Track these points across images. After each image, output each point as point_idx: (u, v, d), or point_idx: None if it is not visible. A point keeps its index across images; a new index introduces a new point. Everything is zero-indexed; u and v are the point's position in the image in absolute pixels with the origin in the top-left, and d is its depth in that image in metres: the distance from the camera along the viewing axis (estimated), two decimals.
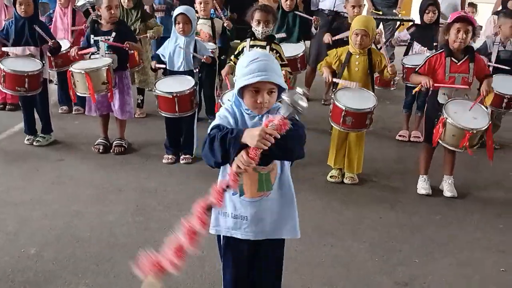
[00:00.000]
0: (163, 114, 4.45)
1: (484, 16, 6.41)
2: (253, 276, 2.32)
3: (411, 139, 5.38)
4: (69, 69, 4.43)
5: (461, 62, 3.88)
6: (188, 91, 4.29)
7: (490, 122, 3.80)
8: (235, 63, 4.17)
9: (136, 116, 5.70)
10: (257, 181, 2.06)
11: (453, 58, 3.88)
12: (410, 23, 6.07)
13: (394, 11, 7.89)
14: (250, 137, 1.81)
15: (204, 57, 4.42)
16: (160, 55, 4.51)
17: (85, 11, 5.95)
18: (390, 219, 3.74)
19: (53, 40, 4.68)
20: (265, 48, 4.13)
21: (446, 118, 3.71)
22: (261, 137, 1.77)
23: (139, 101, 5.80)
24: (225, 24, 5.61)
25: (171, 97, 4.26)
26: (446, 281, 3.00)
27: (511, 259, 3.26)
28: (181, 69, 4.45)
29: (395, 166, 4.74)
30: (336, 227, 3.57)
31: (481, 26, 6.80)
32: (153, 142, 4.98)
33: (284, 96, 1.83)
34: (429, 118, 4.04)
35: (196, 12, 4.99)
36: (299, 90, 1.86)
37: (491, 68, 4.75)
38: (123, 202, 3.79)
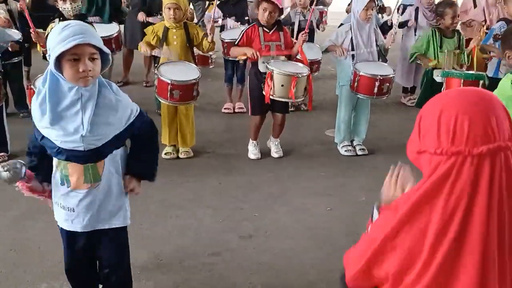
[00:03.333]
0: None
1: None
2: (99, 264, 2.25)
3: (236, 110, 5.67)
4: None
5: (272, 31, 4.21)
6: None
7: (310, 72, 4.18)
8: None
9: None
10: (82, 172, 1.94)
11: (265, 29, 4.19)
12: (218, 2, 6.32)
13: None
14: None
15: (9, 45, 3.98)
16: None
17: None
18: (228, 183, 3.92)
19: None
20: None
21: (273, 70, 3.98)
22: None
23: None
24: (18, 8, 5.12)
25: None
26: (285, 226, 3.28)
27: (335, 199, 3.69)
28: None
29: (225, 135, 4.96)
30: (180, 199, 3.62)
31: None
32: None
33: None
34: (253, 89, 4.26)
35: None
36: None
37: (294, 36, 5.25)
38: None
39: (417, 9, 5.75)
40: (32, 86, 3.53)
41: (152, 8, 5.36)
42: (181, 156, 4.35)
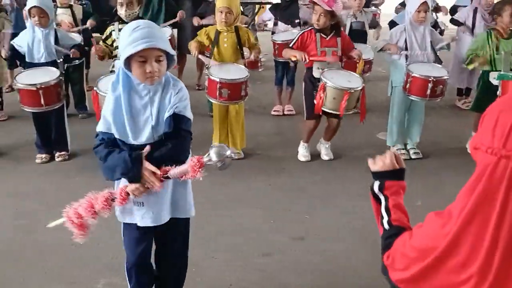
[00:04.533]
0: (27, 109, 4.10)
1: None
2: (159, 256, 2.31)
3: (285, 112, 5.68)
4: None
5: (329, 37, 4.19)
6: (54, 82, 3.99)
7: (364, 84, 4.15)
8: (106, 47, 4.03)
9: None
10: None
11: (322, 34, 4.17)
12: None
13: None
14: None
15: (71, 51, 4.17)
16: (15, 46, 4.15)
17: None
18: (277, 185, 3.94)
19: None
20: None
21: (326, 83, 3.98)
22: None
23: None
24: (88, 25, 5.38)
25: (35, 89, 3.93)
26: (336, 230, 3.27)
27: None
28: (43, 61, 4.15)
29: (275, 138, 4.99)
30: (231, 199, 3.67)
31: None
32: (22, 144, 4.62)
33: (213, 149, 1.89)
34: (308, 93, 4.24)
35: (54, 0, 4.69)
36: (229, 150, 1.92)
37: None
38: None
39: (475, 10, 5.57)
40: (95, 88, 3.68)
41: (206, 12, 5.46)
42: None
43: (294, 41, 4.25)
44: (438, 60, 4.36)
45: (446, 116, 5.68)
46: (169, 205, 2.12)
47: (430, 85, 4.08)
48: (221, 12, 4.15)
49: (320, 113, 4.15)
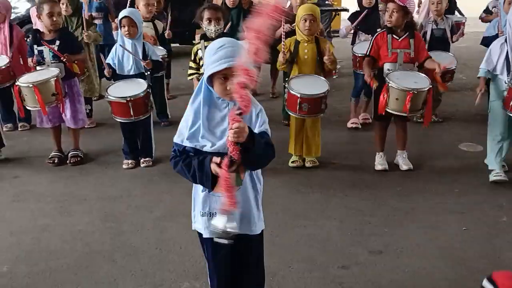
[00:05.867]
0: (118, 120, 4.38)
1: None
2: (237, 267, 2.34)
3: (361, 121, 5.59)
4: (16, 84, 4.29)
5: (401, 38, 4.11)
6: (142, 94, 4.25)
7: (431, 86, 4.00)
8: (196, 69, 4.19)
9: (86, 126, 5.57)
10: None
11: (394, 35, 4.11)
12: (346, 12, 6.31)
13: (327, 2, 8.20)
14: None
15: (145, 62, 4.37)
16: (112, 64, 4.41)
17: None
18: (355, 195, 3.90)
19: None
20: None
21: (389, 83, 3.92)
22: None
23: (87, 111, 5.66)
24: (165, 34, 5.62)
25: (125, 101, 4.20)
26: (416, 244, 3.18)
27: (470, 218, 3.49)
28: (132, 73, 4.41)
29: (351, 147, 4.93)
30: (306, 209, 3.68)
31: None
32: (109, 150, 4.89)
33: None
34: (377, 93, 4.18)
35: None
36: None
37: (426, 45, 5.05)
38: (89, 211, 3.71)
39: None
40: None
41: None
42: (307, 165, 4.41)
43: (370, 47, 4.22)
44: None
45: None
46: (241, 217, 2.12)
47: None
48: (305, 20, 4.13)
49: (384, 113, 4.06)
